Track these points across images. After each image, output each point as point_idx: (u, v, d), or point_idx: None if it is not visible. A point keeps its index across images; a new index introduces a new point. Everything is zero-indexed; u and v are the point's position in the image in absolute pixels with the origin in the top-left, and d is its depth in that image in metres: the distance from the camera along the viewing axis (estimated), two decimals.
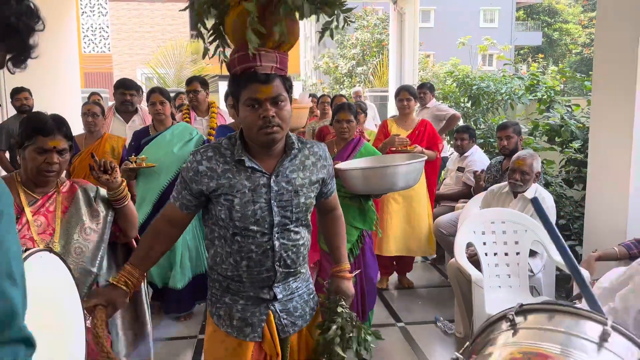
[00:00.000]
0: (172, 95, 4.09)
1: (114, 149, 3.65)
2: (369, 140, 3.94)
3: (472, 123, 6.13)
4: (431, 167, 4.21)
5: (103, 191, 2.02)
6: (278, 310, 1.67)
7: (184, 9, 1.69)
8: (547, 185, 4.16)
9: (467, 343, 1.32)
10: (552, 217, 3.24)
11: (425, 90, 5.52)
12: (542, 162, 4.41)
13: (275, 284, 1.65)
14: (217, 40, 1.67)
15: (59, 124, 1.86)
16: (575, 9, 32.23)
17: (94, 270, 1.88)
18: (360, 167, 2.98)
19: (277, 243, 1.60)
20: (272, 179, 1.59)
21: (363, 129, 4.31)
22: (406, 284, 4.30)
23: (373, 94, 11.17)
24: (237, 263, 1.61)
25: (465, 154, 4.69)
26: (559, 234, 1.40)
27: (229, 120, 4.10)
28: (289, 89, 1.59)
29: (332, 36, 1.65)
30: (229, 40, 1.66)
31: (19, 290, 0.78)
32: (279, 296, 1.66)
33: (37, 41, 0.83)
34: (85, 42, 24.59)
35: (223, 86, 10.22)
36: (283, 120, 1.55)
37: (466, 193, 4.56)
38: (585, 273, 2.49)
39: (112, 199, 1.99)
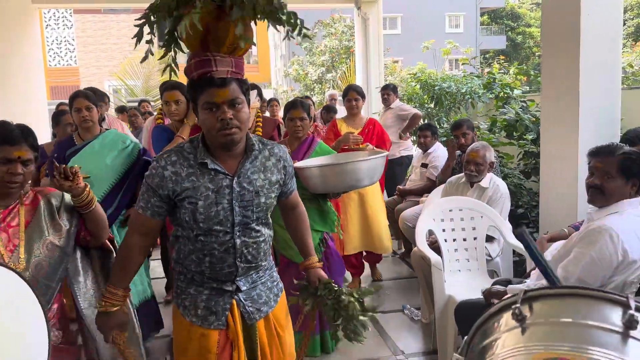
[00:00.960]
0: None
1: None
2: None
3: (435, 122, 6.32)
4: None
5: (68, 197, 1.93)
6: (242, 299, 1.73)
7: (141, 25, 1.62)
8: (505, 177, 4.35)
9: (466, 338, 1.18)
10: (507, 203, 3.43)
11: (388, 91, 5.72)
12: (502, 157, 4.62)
13: (237, 278, 1.72)
14: (171, 45, 1.65)
15: (25, 133, 1.78)
16: (537, 13, 33.17)
17: (53, 285, 1.81)
18: (324, 164, 2.98)
19: (238, 241, 1.67)
20: (234, 180, 1.64)
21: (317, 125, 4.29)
22: (377, 276, 4.45)
23: (341, 98, 11.32)
24: (200, 260, 1.68)
25: (429, 151, 4.86)
26: (540, 259, 1.36)
27: None
28: (245, 91, 1.64)
29: (300, 43, 1.71)
30: (183, 46, 1.68)
31: None
32: (243, 288, 1.73)
33: None
34: (50, 56, 24.20)
35: None
36: (241, 122, 1.61)
37: (430, 187, 4.71)
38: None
39: (77, 205, 1.90)
